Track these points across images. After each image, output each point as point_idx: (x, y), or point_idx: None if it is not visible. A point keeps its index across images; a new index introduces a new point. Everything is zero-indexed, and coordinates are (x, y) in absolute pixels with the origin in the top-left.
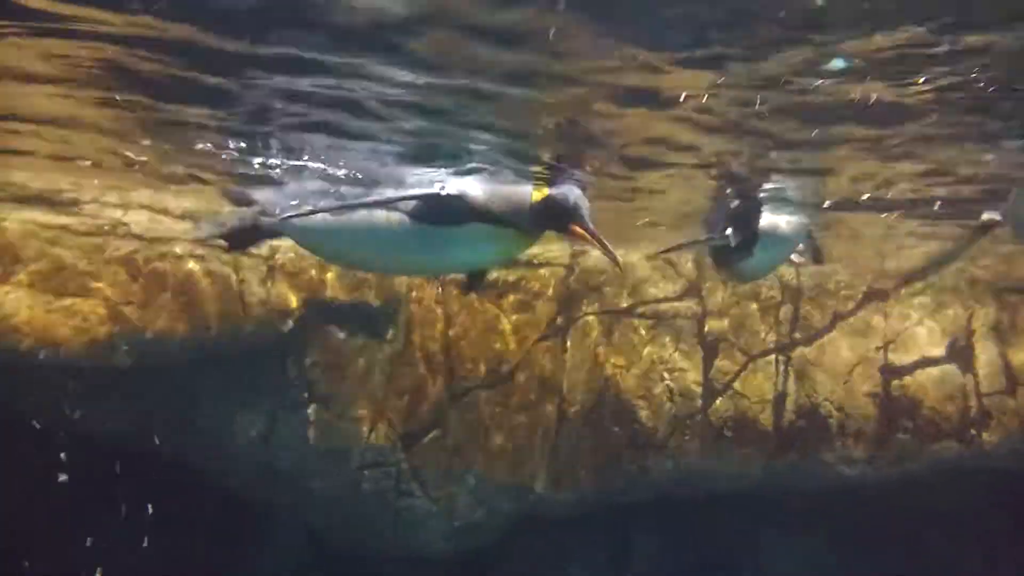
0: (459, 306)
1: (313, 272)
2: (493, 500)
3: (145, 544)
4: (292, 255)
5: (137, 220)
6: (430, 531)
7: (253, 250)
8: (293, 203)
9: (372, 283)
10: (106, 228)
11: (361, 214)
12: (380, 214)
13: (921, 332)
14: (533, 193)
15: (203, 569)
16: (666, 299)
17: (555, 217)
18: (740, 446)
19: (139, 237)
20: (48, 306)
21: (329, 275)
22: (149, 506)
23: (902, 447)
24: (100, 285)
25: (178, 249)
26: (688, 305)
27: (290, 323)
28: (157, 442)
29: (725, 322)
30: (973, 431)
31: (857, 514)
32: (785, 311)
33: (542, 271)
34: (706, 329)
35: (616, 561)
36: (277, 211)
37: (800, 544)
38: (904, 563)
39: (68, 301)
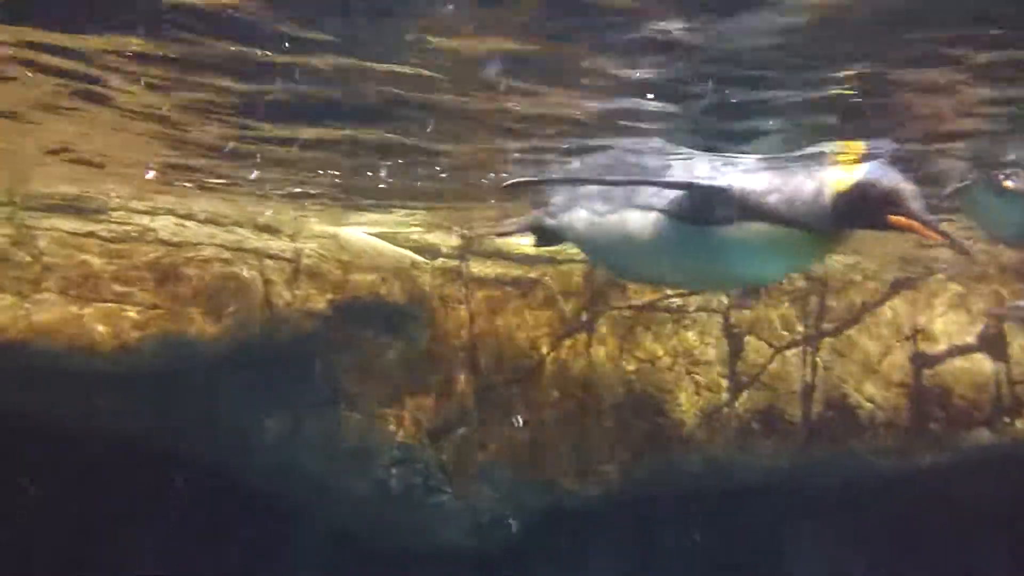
0: (483, 303)
1: (338, 272)
2: (519, 495)
3: (170, 544)
4: (316, 257)
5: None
6: (457, 527)
7: (278, 253)
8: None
9: (396, 282)
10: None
11: (616, 215)
12: (635, 214)
13: (951, 320)
14: (833, 181)
15: (229, 571)
16: (691, 293)
17: (870, 210)
18: (768, 439)
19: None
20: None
21: (354, 275)
22: (174, 507)
23: (934, 437)
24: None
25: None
26: (712, 298)
27: (316, 323)
28: (182, 444)
29: (751, 314)
30: (1006, 419)
31: (888, 507)
32: (812, 302)
33: (564, 267)
34: (731, 321)
35: (642, 557)
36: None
37: (830, 539)
38: (937, 555)
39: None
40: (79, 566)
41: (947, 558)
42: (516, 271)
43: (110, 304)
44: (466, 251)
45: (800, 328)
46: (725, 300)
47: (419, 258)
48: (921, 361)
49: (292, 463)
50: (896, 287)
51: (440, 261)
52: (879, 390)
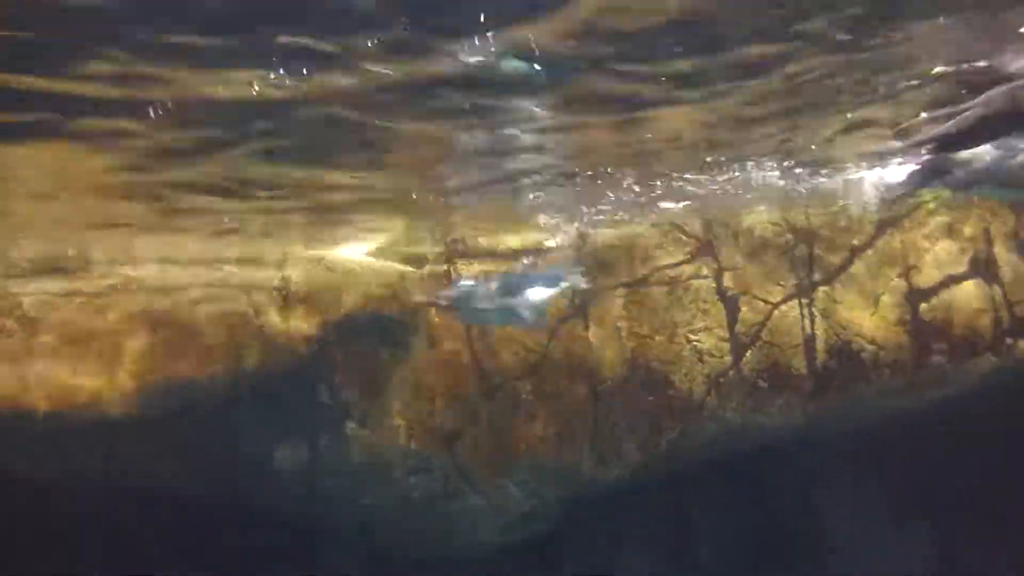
0: None
1: (329, 294)
2: (542, 487)
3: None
4: (303, 281)
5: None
6: (484, 526)
7: (265, 283)
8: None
9: (388, 296)
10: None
11: None
12: None
13: (940, 251)
14: None
15: None
16: (679, 263)
17: None
18: (777, 395)
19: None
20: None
21: (345, 297)
22: (198, 544)
23: (939, 369)
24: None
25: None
26: (701, 265)
27: (313, 347)
28: (201, 484)
29: (742, 274)
30: (1009, 340)
31: (904, 448)
32: (800, 253)
33: (552, 255)
34: (724, 285)
35: (674, 538)
36: None
37: (853, 491)
38: (959, 484)
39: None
40: None
41: (968, 488)
42: (504, 267)
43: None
44: (452, 255)
45: (793, 281)
46: (714, 266)
47: (408, 268)
48: (917, 296)
49: (312, 487)
50: (882, 227)
51: (428, 268)
52: (880, 331)
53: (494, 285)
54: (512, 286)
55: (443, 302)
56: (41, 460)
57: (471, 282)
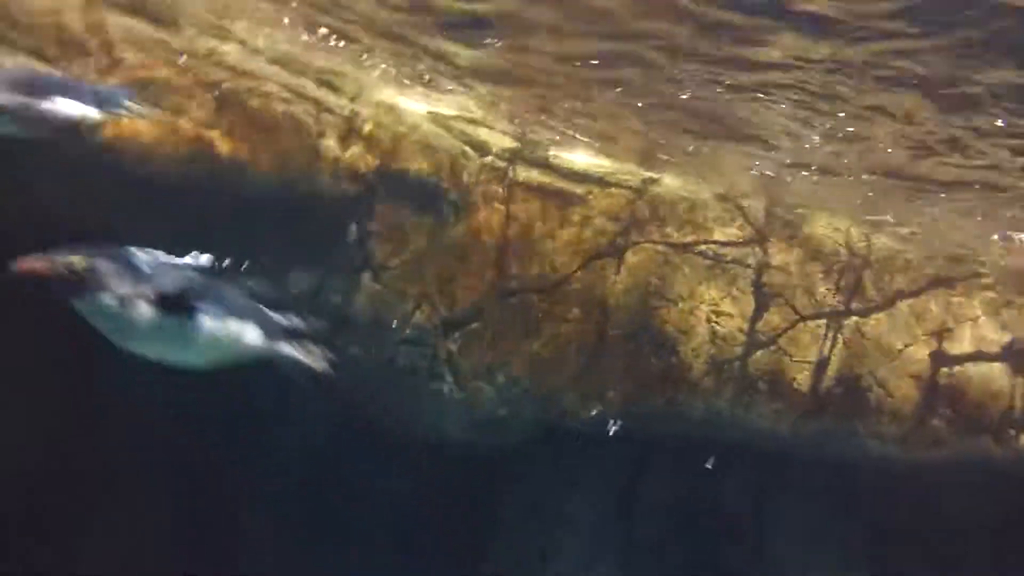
0: (523, 207)
1: (390, 142)
2: (518, 402)
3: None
4: (372, 123)
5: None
6: (452, 419)
7: (336, 109)
8: None
9: (444, 166)
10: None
11: None
12: None
13: (981, 326)
14: None
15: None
16: (729, 243)
17: None
18: (773, 401)
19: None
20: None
21: (405, 144)
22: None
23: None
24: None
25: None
26: (749, 252)
27: (359, 187)
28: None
29: (783, 277)
30: (1012, 432)
31: (877, 497)
32: (847, 278)
33: (612, 189)
34: (763, 280)
35: (619, 501)
36: None
37: (804, 515)
38: (909, 552)
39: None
40: None
41: (916, 558)
42: (561, 183)
43: None
44: (516, 155)
45: (830, 301)
46: (761, 259)
47: (469, 149)
48: (941, 360)
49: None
50: (935, 283)
51: (489, 159)
52: (893, 378)
53: None
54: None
55: None
56: None
57: None
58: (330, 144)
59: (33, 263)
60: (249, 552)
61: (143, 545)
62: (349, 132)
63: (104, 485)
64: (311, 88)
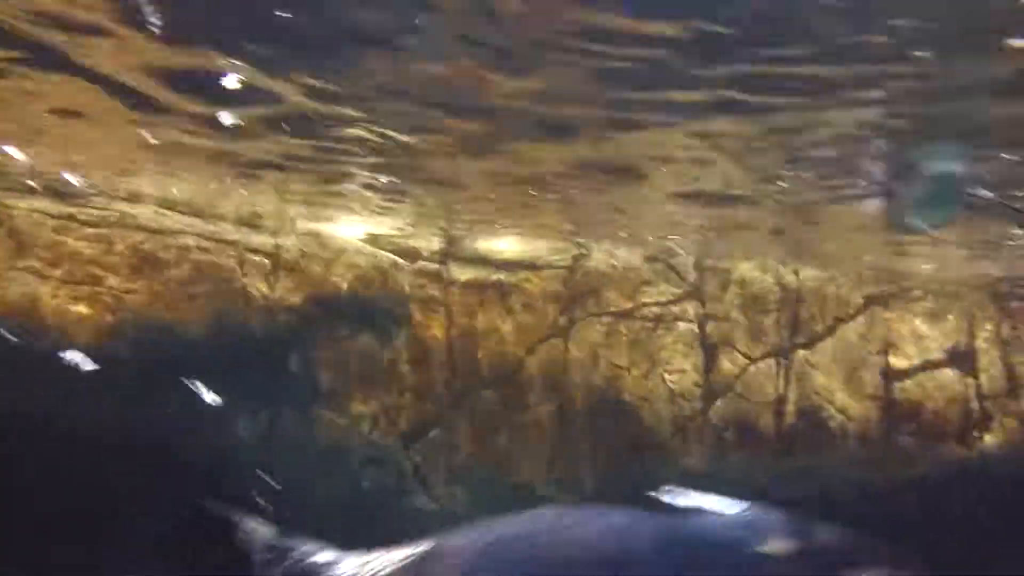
0: (462, 307)
1: (317, 268)
2: (495, 500)
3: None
4: (296, 252)
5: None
6: (431, 531)
7: (257, 247)
8: None
9: (377, 281)
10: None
11: None
12: None
13: (922, 336)
14: None
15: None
16: (667, 302)
17: None
18: (741, 449)
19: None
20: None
21: (334, 273)
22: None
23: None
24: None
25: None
26: (688, 307)
27: (293, 318)
28: (156, 435)
29: (726, 325)
30: (975, 433)
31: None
32: (785, 315)
33: (545, 272)
34: (707, 331)
35: None
36: None
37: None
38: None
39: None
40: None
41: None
42: (496, 275)
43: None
44: (446, 255)
45: (775, 340)
46: (700, 311)
47: (399, 259)
48: (893, 376)
49: (266, 459)
50: (868, 303)
51: (420, 264)
52: (852, 403)
53: None
54: None
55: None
56: None
57: None
58: (258, 284)
59: None
60: None
61: None
62: (275, 268)
63: None
64: (230, 231)
